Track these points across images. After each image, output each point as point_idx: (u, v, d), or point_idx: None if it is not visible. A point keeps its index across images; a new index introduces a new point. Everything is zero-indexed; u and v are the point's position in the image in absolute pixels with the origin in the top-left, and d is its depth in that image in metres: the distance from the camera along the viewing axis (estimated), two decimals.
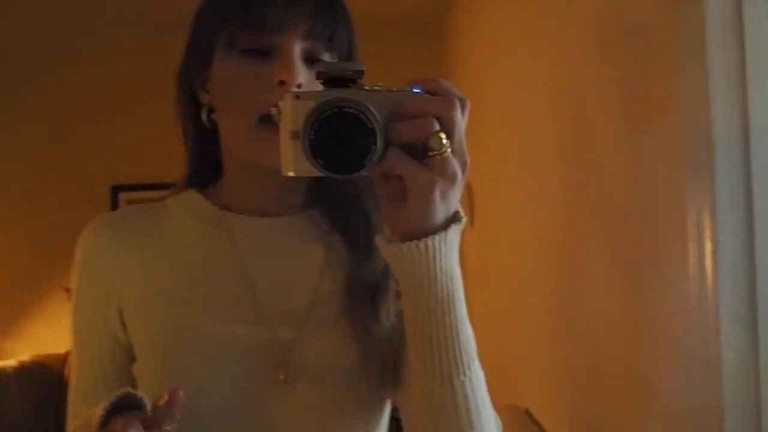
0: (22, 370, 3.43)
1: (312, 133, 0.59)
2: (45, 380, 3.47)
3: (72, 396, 0.83)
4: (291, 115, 0.60)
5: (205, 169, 0.86)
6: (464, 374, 0.65)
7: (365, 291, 0.78)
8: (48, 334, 3.77)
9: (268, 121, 0.71)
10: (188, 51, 0.81)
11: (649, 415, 1.37)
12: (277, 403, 0.75)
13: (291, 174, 0.62)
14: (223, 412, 0.74)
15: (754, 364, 0.98)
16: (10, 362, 3.43)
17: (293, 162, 0.61)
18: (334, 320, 0.77)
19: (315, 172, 0.60)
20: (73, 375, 0.84)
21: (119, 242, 0.81)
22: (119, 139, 3.87)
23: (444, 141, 0.60)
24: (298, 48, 0.74)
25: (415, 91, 0.62)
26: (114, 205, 3.90)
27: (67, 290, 3.77)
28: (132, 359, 0.81)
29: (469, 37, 3.39)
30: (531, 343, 2.37)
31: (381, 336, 0.76)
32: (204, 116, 0.81)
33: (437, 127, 0.60)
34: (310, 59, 0.75)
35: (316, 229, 0.82)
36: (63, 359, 3.57)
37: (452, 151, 0.60)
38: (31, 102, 3.87)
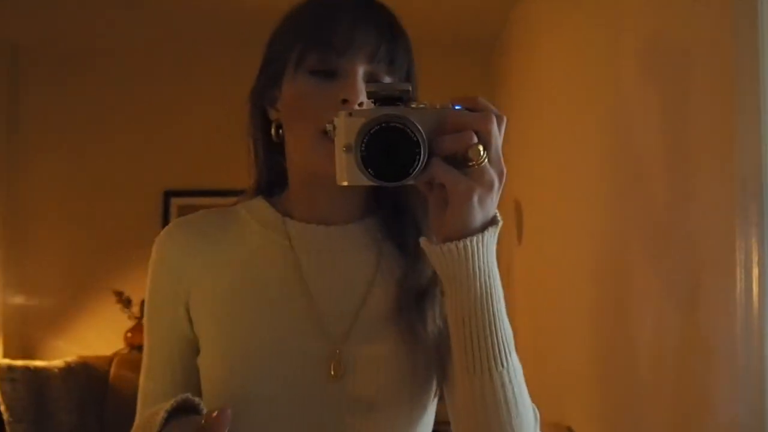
0: (68, 370, 3.49)
1: (362, 145, 0.66)
2: (90, 381, 3.54)
3: (141, 379, 0.92)
4: (344, 131, 0.68)
5: (272, 179, 0.92)
6: (502, 365, 0.71)
7: (413, 295, 0.83)
8: (95, 336, 3.85)
9: (330, 136, 0.75)
10: (261, 71, 0.89)
11: (698, 427, 1.42)
12: (329, 397, 0.81)
13: (344, 183, 0.69)
14: (279, 404, 0.81)
15: None
16: (57, 362, 3.50)
17: (346, 173, 0.68)
18: (384, 322, 0.83)
19: (366, 181, 0.67)
20: (144, 362, 0.92)
21: (190, 244, 0.88)
22: (172, 145, 3.96)
23: (482, 152, 0.67)
24: (360, 70, 0.81)
25: (456, 108, 0.69)
26: (166, 211, 3.97)
27: (117, 293, 3.87)
28: (197, 352, 0.87)
29: (520, 57, 3.40)
30: (576, 361, 2.36)
31: (427, 338, 0.81)
32: (273, 131, 0.88)
33: (475, 139, 0.67)
34: (371, 80, 0.81)
35: (369, 237, 0.88)
36: (109, 361, 3.63)
37: (489, 161, 0.68)
38: (88, 108, 3.97)
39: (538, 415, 0.78)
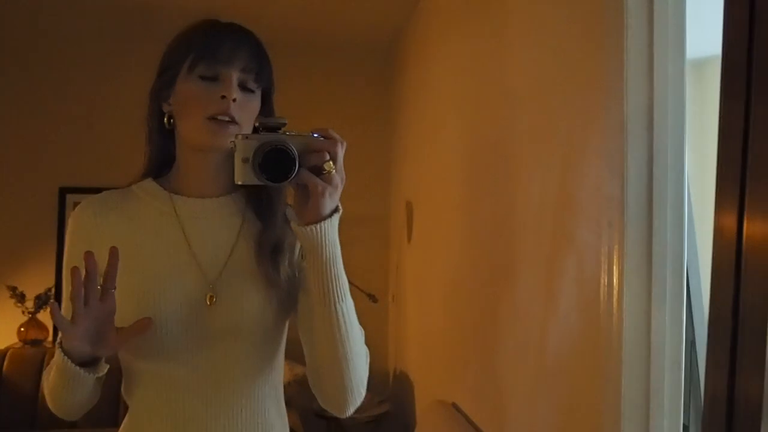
0: None
1: (260, 159, 0.98)
2: None
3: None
4: (242, 148, 1.00)
5: (161, 162, 1.21)
6: (342, 301, 1.06)
7: (267, 249, 1.15)
8: None
9: (212, 120, 1.10)
10: (159, 74, 1.17)
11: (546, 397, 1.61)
12: (206, 320, 1.12)
13: (241, 182, 1.01)
14: (171, 325, 1.10)
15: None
16: None
17: (243, 176, 1.01)
18: (246, 267, 1.15)
19: (257, 182, 1.00)
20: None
21: (98, 216, 1.17)
22: (68, 142, 3.94)
23: (332, 165, 1.00)
24: (235, 77, 1.12)
25: (316, 135, 1.02)
26: (62, 207, 3.95)
27: (10, 288, 3.82)
28: None
29: (413, 64, 3.56)
30: (459, 345, 2.57)
31: (279, 280, 1.14)
32: (165, 120, 1.16)
33: (328, 157, 1.00)
34: (242, 85, 1.13)
35: (235, 207, 1.19)
36: (2, 354, 3.60)
37: (336, 171, 1.00)
38: None
39: (368, 353, 1.15)
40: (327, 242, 1.02)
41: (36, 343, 3.75)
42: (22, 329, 3.74)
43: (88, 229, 1.16)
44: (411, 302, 3.52)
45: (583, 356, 1.51)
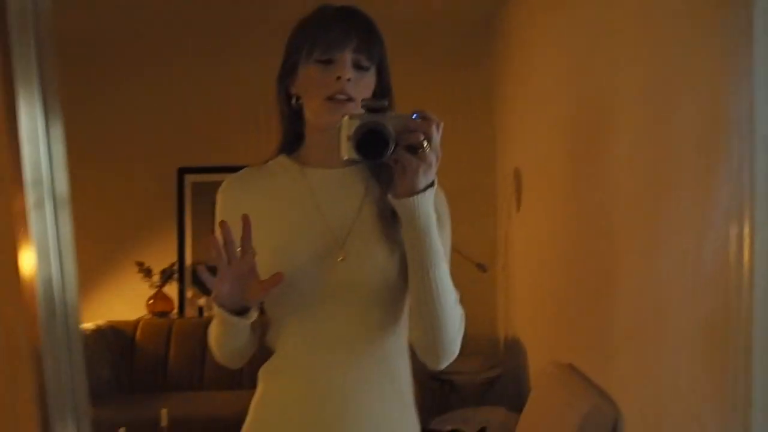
0: (99, 332, 3.78)
1: (358, 137, 1.07)
2: (119, 341, 3.83)
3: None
4: (346, 127, 1.09)
5: (291, 140, 1.33)
6: (435, 267, 1.15)
7: (389, 212, 1.22)
8: (120, 303, 4.09)
9: (330, 100, 1.20)
10: (283, 61, 1.29)
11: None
12: (336, 274, 1.22)
13: (345, 158, 1.09)
14: (307, 279, 1.22)
15: None
16: (89, 325, 3.77)
17: (346, 152, 1.09)
18: (372, 227, 1.24)
19: (357, 158, 1.08)
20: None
21: (238, 189, 1.31)
22: (185, 125, 4.12)
23: (426, 145, 1.07)
24: (348, 58, 1.21)
25: (414, 116, 1.08)
26: (181, 187, 4.15)
27: (138, 264, 4.08)
28: None
29: (518, 33, 3.50)
30: (573, 307, 2.56)
31: (399, 239, 1.21)
32: (294, 102, 1.28)
33: (422, 137, 1.07)
34: (356, 64, 1.22)
35: (359, 176, 1.29)
36: (134, 325, 3.89)
37: (431, 149, 1.08)
38: (106, 90, 4.11)
39: (463, 314, 1.22)
40: (420, 214, 1.12)
41: (163, 314, 4.01)
42: (151, 302, 4.00)
43: (232, 201, 1.30)
44: (520, 270, 3.49)
45: (708, 323, 1.45)
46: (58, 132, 0.91)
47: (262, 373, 1.31)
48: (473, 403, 3.51)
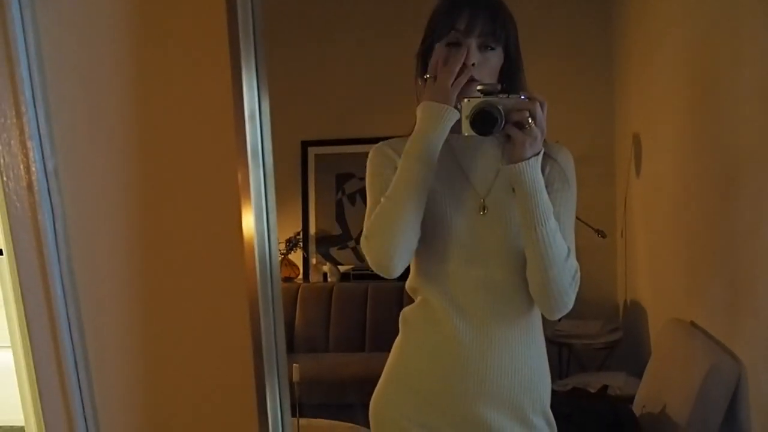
0: None
1: (474, 116, 1.25)
2: None
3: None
4: (465, 108, 1.26)
5: None
6: (543, 225, 1.28)
7: None
8: None
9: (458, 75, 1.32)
10: (422, 42, 1.42)
11: None
12: (480, 225, 1.38)
13: (465, 133, 1.27)
14: (453, 227, 1.38)
15: None
16: None
17: (465, 128, 1.27)
18: (508, 187, 1.35)
19: (473, 133, 1.25)
20: (367, 215, 1.43)
21: (387, 153, 1.45)
22: (307, 100, 4.23)
23: (531, 122, 1.23)
24: (474, 42, 1.34)
25: (522, 97, 1.24)
26: (305, 159, 4.31)
27: None
28: None
29: (638, 1, 3.44)
30: (694, 265, 2.55)
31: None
32: (429, 79, 1.38)
33: (528, 114, 1.24)
34: (483, 46, 1.35)
35: (495, 142, 1.41)
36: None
37: (535, 125, 1.24)
38: None
39: (577, 267, 1.33)
40: (527, 179, 1.27)
41: (288, 280, 4.25)
42: None
43: (385, 159, 1.45)
44: (640, 235, 3.45)
45: None
46: (267, 108, 1.04)
47: (405, 319, 1.47)
48: (593, 368, 3.54)
